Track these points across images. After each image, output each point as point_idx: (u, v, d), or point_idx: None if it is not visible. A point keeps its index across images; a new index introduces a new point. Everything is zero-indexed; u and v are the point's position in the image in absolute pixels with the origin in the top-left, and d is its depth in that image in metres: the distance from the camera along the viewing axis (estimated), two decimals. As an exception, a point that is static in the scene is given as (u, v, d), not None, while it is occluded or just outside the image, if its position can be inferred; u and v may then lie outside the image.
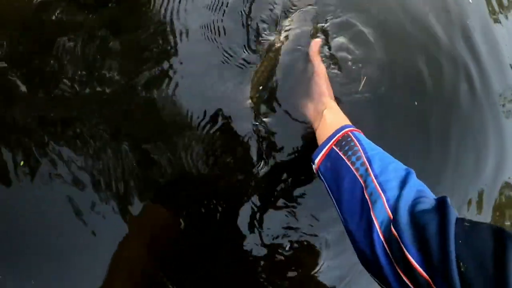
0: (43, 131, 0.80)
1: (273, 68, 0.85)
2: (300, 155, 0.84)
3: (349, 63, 0.94)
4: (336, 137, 0.68)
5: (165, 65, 0.86)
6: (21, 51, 0.84)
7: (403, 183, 0.55)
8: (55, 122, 0.81)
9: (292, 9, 0.95)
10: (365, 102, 0.94)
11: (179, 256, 0.82)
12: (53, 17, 0.86)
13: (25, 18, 0.86)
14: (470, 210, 1.08)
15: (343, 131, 0.68)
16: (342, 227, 0.62)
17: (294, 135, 0.85)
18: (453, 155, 1.04)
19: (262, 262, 0.83)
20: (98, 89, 0.83)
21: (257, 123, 0.84)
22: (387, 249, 0.49)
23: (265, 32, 0.92)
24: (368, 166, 0.59)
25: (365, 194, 0.56)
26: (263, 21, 0.93)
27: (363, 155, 0.61)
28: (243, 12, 0.93)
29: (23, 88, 0.81)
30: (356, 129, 0.71)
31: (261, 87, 0.85)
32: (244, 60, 0.89)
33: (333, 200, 0.64)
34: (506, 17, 1.34)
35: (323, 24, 0.95)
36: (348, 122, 0.73)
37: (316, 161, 0.69)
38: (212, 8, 0.92)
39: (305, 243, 0.85)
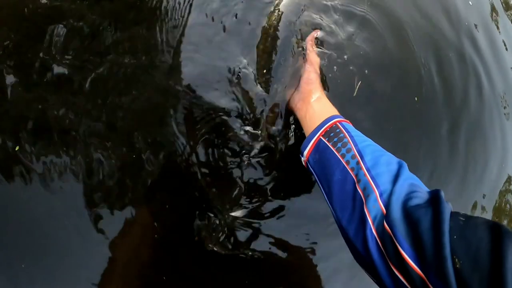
0: (34, 125, 0.79)
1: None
2: (289, 147, 0.83)
3: (348, 65, 0.93)
4: (324, 127, 0.66)
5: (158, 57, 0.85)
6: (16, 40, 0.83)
7: (396, 177, 0.53)
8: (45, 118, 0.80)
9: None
10: (367, 103, 0.93)
11: (172, 257, 0.81)
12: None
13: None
14: (476, 213, 1.06)
15: (331, 122, 0.66)
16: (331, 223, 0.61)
17: (283, 126, 0.82)
18: (462, 156, 1.04)
19: (254, 262, 0.81)
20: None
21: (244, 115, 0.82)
22: (380, 245, 0.48)
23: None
24: (360, 159, 0.57)
25: (358, 188, 0.54)
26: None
27: (353, 147, 0.59)
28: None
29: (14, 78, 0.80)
30: (345, 119, 0.68)
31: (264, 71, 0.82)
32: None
33: (324, 193, 0.62)
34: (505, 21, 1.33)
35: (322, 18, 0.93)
36: (336, 112, 0.71)
37: (305, 153, 0.67)
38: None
39: (297, 238, 0.83)
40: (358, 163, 0.57)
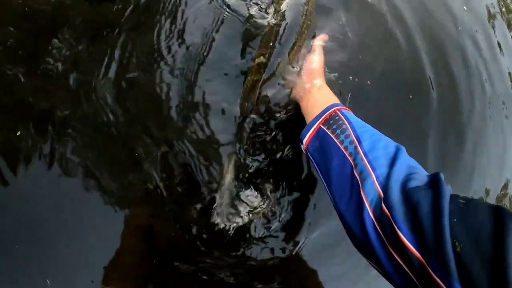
0: (37, 123, 0.78)
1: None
2: (288, 135, 0.82)
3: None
4: (324, 115, 0.66)
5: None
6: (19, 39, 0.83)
7: (394, 160, 0.52)
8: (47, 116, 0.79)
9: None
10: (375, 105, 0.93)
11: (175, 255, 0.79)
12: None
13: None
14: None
15: (331, 110, 0.66)
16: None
17: (283, 114, 0.82)
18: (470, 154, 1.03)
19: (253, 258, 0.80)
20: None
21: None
22: (378, 229, 0.47)
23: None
24: (357, 144, 0.56)
25: (355, 172, 0.53)
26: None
27: (352, 133, 0.59)
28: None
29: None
30: (345, 107, 0.68)
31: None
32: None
33: (323, 180, 0.62)
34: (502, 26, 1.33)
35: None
36: (337, 101, 0.71)
37: (304, 140, 0.67)
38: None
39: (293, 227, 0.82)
40: (355, 148, 0.56)
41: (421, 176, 0.49)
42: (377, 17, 1.05)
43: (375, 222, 0.47)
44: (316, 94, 0.73)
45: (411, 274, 0.42)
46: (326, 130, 0.63)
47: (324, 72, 0.79)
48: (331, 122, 0.64)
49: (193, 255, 0.78)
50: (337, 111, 0.66)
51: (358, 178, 0.52)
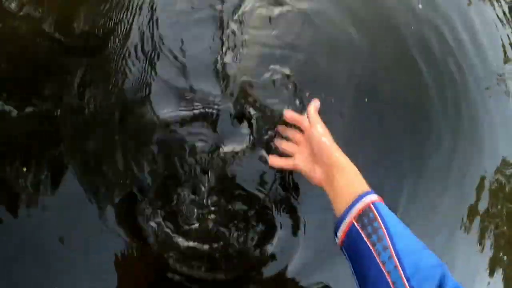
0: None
1: None
2: None
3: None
4: (357, 209, 0.61)
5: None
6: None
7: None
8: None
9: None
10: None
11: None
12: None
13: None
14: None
15: (363, 202, 0.62)
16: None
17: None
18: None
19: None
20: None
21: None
22: None
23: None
24: (398, 264, 0.52)
25: None
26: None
27: (390, 245, 0.55)
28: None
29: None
30: (376, 197, 0.64)
31: None
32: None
33: (356, 281, 0.59)
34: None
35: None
36: (364, 184, 0.66)
37: (339, 234, 0.63)
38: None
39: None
40: (396, 267, 0.52)
41: None
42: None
43: None
44: (339, 179, 0.68)
45: None
46: (360, 231, 0.59)
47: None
48: (365, 221, 0.59)
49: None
50: (371, 205, 0.61)
51: None
